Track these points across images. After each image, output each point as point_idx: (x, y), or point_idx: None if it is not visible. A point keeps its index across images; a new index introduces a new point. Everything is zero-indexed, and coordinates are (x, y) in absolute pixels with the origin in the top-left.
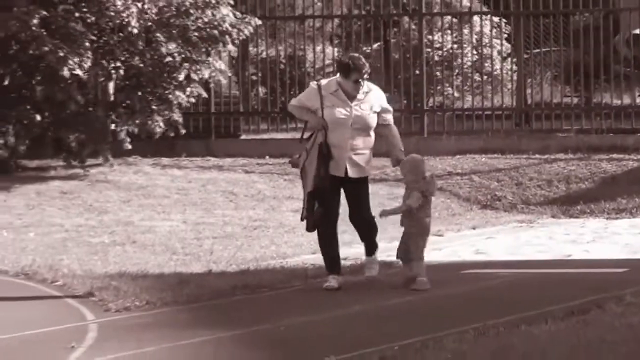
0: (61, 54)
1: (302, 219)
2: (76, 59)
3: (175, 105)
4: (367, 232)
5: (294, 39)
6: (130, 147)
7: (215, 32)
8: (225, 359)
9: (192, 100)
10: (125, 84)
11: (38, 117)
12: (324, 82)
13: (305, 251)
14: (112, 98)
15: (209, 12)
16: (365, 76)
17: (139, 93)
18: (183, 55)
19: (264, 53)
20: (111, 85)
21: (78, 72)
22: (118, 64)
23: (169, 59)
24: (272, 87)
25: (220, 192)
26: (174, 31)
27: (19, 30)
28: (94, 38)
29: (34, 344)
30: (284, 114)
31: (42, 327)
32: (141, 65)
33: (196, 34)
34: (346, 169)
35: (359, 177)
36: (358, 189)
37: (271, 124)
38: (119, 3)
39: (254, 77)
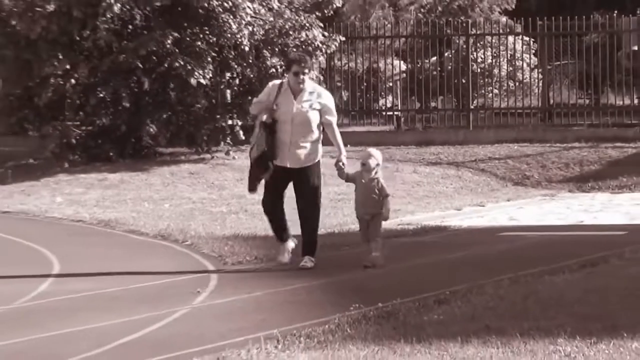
0: (189, 67)
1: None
2: (201, 71)
3: None
4: (304, 222)
5: (369, 53)
6: (243, 138)
7: (309, 48)
8: (315, 301)
9: None
10: (239, 90)
11: (172, 116)
12: (278, 81)
13: None
14: (229, 101)
15: (303, 33)
16: (306, 70)
17: (250, 97)
18: (283, 67)
19: (346, 65)
20: (228, 91)
21: (203, 81)
22: (233, 74)
23: (272, 70)
24: (352, 91)
25: None
26: (276, 48)
27: (157, 48)
28: (214, 54)
29: (169, 288)
30: (362, 112)
31: (175, 277)
32: (251, 75)
33: (294, 49)
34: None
35: (299, 167)
36: (299, 179)
37: (351, 120)
38: (234, 27)
39: (338, 83)
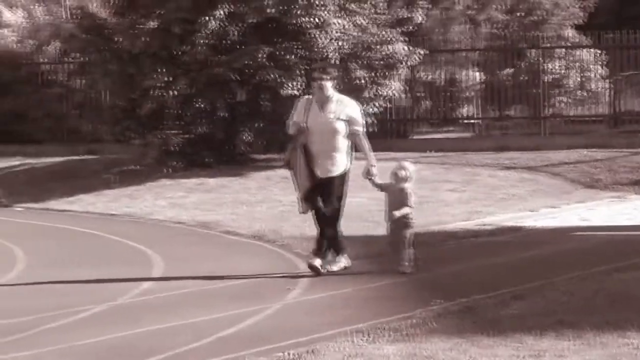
0: (281, 80)
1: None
2: (291, 83)
3: (367, 115)
4: (324, 225)
5: (449, 65)
6: None
7: (392, 61)
8: (400, 296)
9: (376, 110)
10: None
11: (266, 125)
12: (306, 97)
13: (457, 219)
14: None
15: (387, 47)
16: (325, 76)
17: None
18: (369, 78)
19: (428, 76)
20: None
21: (293, 92)
22: None
23: (358, 81)
24: (433, 101)
25: None
26: (362, 61)
27: (250, 62)
28: (304, 67)
29: (263, 285)
30: (442, 121)
31: (268, 274)
32: (339, 87)
33: (379, 62)
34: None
35: (327, 177)
36: (326, 188)
37: (432, 128)
38: (322, 42)
39: (420, 94)
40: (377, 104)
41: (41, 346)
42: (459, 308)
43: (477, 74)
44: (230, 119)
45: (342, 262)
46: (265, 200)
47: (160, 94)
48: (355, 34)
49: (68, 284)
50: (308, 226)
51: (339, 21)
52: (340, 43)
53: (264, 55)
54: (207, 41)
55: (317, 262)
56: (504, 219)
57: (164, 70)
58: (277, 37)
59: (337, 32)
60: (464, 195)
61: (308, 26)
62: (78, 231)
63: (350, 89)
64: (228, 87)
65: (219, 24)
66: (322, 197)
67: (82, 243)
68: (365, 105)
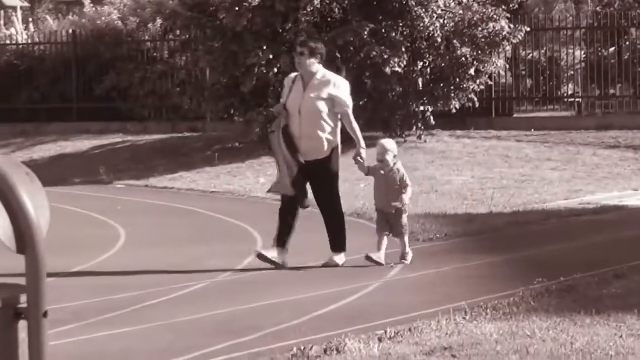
0: (385, 57)
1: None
2: (396, 60)
3: (470, 91)
4: (326, 219)
5: (552, 44)
6: (434, 123)
7: (496, 39)
8: (500, 275)
9: (479, 88)
10: (431, 78)
11: (368, 103)
12: (293, 75)
13: (559, 198)
14: (421, 88)
15: (491, 24)
16: (304, 50)
17: (441, 85)
18: (473, 56)
19: (530, 55)
20: (420, 80)
21: (397, 69)
22: (425, 63)
23: (462, 59)
24: (536, 79)
25: (498, 155)
26: (466, 39)
27: (354, 39)
28: (408, 45)
29: (365, 263)
30: (545, 99)
31: (369, 252)
32: (442, 64)
33: (482, 40)
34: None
35: (311, 160)
36: (313, 173)
37: (535, 106)
38: (426, 19)
39: (523, 72)
40: (480, 82)
41: (144, 322)
42: (559, 287)
43: (581, 52)
44: None
45: (340, 258)
46: (366, 178)
47: (263, 71)
48: (458, 11)
49: (168, 261)
50: (411, 204)
51: None
52: (443, 20)
53: (368, 33)
54: (310, 19)
55: (271, 253)
56: (606, 197)
57: (268, 48)
58: (381, 15)
59: (440, 10)
60: (566, 174)
61: (412, 4)
62: (179, 208)
63: (453, 66)
64: (331, 64)
65: (323, 2)
66: (311, 184)
67: (183, 220)
68: (468, 83)
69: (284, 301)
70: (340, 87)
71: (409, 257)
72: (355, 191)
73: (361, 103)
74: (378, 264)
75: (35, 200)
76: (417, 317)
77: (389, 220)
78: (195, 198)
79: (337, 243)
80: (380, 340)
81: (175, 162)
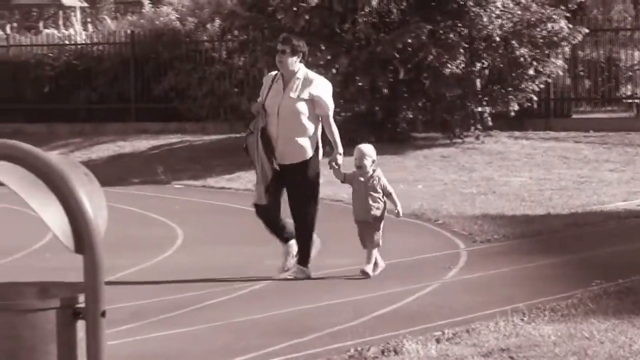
0: (443, 58)
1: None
2: (453, 61)
3: (529, 92)
4: (296, 227)
5: (611, 44)
6: (491, 124)
7: (555, 39)
8: (558, 276)
9: (538, 89)
10: (489, 79)
11: (426, 104)
12: (273, 73)
13: (618, 199)
14: (479, 89)
15: (549, 25)
16: (285, 48)
17: (499, 86)
18: (531, 57)
19: (588, 55)
20: (478, 80)
21: (455, 70)
22: (484, 64)
23: (521, 59)
24: (594, 80)
25: (556, 156)
26: (524, 39)
27: (412, 40)
28: (466, 46)
29: (422, 264)
30: (603, 100)
31: (427, 253)
32: (501, 65)
33: (541, 40)
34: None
35: (287, 164)
36: (289, 177)
37: (594, 107)
38: (485, 20)
39: (581, 73)
40: (539, 83)
41: (202, 322)
42: (618, 289)
43: (639, 53)
44: (391, 97)
45: (304, 273)
46: (424, 179)
47: (322, 72)
48: (517, 12)
49: (226, 261)
50: (469, 205)
51: None
52: (501, 21)
53: (426, 34)
54: (368, 19)
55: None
56: None
57: (326, 48)
58: (439, 15)
59: (498, 10)
60: (624, 175)
61: (470, 4)
62: (237, 208)
63: (512, 67)
64: (389, 65)
65: (380, 2)
66: (287, 191)
67: (241, 220)
68: (527, 83)
69: (341, 302)
70: (321, 88)
71: (371, 268)
72: (413, 192)
73: (419, 104)
74: (366, 275)
75: (93, 200)
76: (475, 318)
77: (363, 229)
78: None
79: (301, 256)
80: (437, 341)
81: (233, 163)
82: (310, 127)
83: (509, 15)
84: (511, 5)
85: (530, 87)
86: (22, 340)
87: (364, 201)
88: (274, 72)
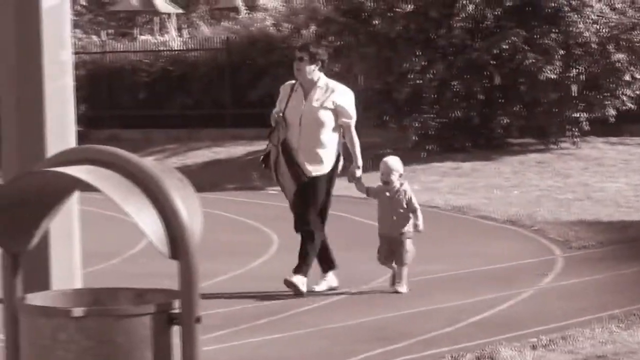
0: (539, 64)
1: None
2: (549, 67)
3: (627, 98)
4: (302, 240)
5: None
6: (587, 129)
7: None
8: None
9: (633, 95)
10: (585, 84)
11: (522, 109)
12: (291, 82)
13: None
14: (575, 94)
15: None
16: (303, 56)
17: (595, 91)
18: (628, 62)
19: None
20: (574, 86)
21: (551, 76)
22: (579, 69)
23: (617, 64)
24: None
25: None
26: (622, 43)
27: (507, 46)
28: (562, 52)
29: (517, 270)
30: None
31: (522, 259)
32: (597, 70)
33: (638, 45)
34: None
35: (309, 177)
36: (309, 189)
37: None
38: (581, 26)
39: None
40: (635, 88)
41: (297, 328)
42: None
43: None
44: (486, 103)
45: (329, 281)
46: (519, 185)
47: (417, 78)
48: (612, 17)
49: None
50: (565, 211)
51: (597, 4)
52: (598, 26)
53: (521, 40)
54: (463, 24)
55: (297, 279)
56: None
57: (421, 54)
58: (534, 20)
59: (594, 15)
60: None
61: (566, 9)
62: (331, 214)
63: (608, 73)
64: (484, 71)
65: (476, 8)
66: (305, 200)
67: (336, 226)
68: (624, 89)
69: (436, 308)
70: (345, 96)
71: (404, 288)
72: (509, 198)
73: (515, 109)
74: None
75: (188, 205)
76: (571, 325)
77: (391, 246)
78: (348, 203)
79: (300, 266)
80: (533, 348)
81: None
82: (332, 137)
83: (605, 21)
84: (607, 10)
85: (626, 93)
86: (118, 345)
87: (390, 216)
88: (292, 81)
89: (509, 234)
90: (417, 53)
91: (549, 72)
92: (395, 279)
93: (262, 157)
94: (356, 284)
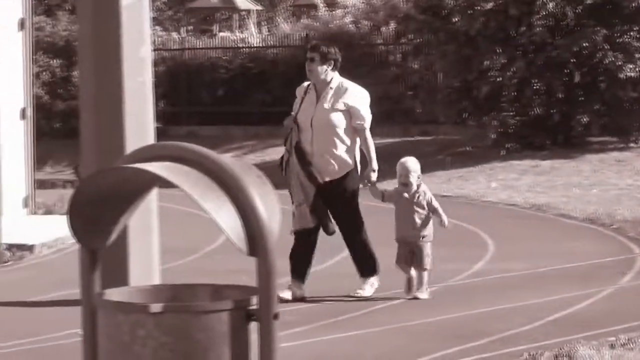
0: (619, 62)
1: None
2: (629, 65)
3: None
4: (348, 244)
5: None
6: None
7: None
8: None
9: None
10: None
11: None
12: (305, 84)
13: None
14: None
15: None
16: (314, 56)
17: None
18: None
19: None
20: None
21: (631, 74)
22: None
23: None
24: None
25: None
26: None
27: (587, 44)
28: None
29: (596, 269)
30: None
31: (602, 258)
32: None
33: None
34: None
35: (325, 181)
36: (330, 195)
37: None
38: None
39: None
40: None
41: (374, 325)
42: None
43: None
44: (566, 101)
45: (373, 283)
46: (598, 183)
47: (497, 75)
48: None
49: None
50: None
51: None
52: None
53: (602, 38)
54: (543, 22)
55: (286, 293)
56: None
57: (502, 52)
58: (615, 19)
59: None
60: None
61: None
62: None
63: None
64: (564, 69)
65: (556, 6)
66: (329, 208)
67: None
68: None
69: (514, 306)
70: (358, 98)
71: (425, 294)
72: (588, 196)
73: (595, 108)
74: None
75: (267, 203)
76: None
77: (412, 250)
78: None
79: (365, 269)
80: (611, 346)
81: None
82: (346, 140)
83: None
84: None
85: None
86: (196, 341)
87: (411, 220)
88: (305, 83)
89: (588, 232)
90: (498, 51)
91: (629, 70)
92: (410, 285)
93: (280, 161)
94: (436, 282)
